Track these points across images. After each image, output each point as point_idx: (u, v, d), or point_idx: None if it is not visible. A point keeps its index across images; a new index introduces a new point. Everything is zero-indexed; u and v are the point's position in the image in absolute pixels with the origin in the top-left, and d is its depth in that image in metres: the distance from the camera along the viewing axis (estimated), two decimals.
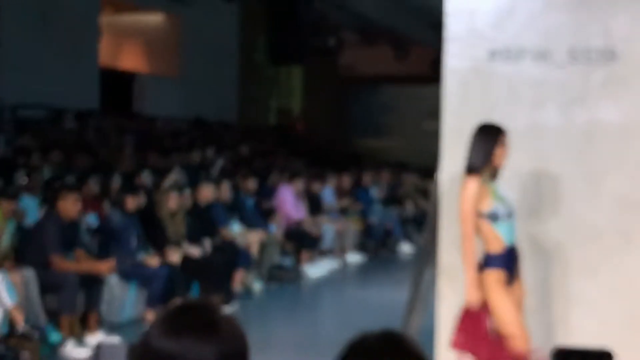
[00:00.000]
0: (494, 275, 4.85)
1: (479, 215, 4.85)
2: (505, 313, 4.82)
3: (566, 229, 5.45)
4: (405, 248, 14.79)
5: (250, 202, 11.63)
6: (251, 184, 11.76)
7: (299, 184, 12.54)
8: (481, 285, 4.86)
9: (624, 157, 5.36)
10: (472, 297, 4.85)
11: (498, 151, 4.89)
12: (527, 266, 5.49)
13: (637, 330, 5.34)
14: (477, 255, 4.88)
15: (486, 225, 4.87)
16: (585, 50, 5.40)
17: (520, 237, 5.49)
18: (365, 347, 1.84)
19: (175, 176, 11.31)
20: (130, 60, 18.04)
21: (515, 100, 5.52)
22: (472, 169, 4.88)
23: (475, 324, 4.86)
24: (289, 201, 12.25)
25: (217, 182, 10.91)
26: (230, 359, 1.90)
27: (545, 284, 5.48)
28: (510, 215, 4.90)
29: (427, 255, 5.93)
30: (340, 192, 14.42)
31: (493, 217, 4.85)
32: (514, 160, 5.50)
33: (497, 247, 4.88)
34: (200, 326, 1.89)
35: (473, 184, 4.85)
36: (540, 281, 5.48)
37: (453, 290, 5.62)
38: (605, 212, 5.38)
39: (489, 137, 4.89)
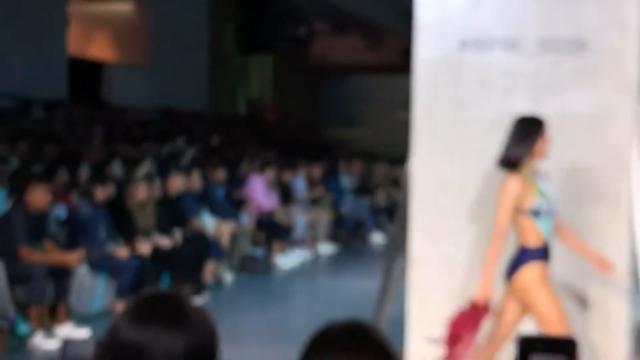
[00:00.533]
0: (536, 269, 4.76)
1: (520, 211, 4.77)
2: (548, 309, 4.73)
3: None
4: (377, 238, 14.82)
5: (220, 192, 11.58)
6: (221, 174, 11.71)
7: (270, 174, 12.51)
8: (514, 284, 4.79)
9: (593, 147, 5.38)
10: (486, 293, 4.77)
11: (540, 143, 4.84)
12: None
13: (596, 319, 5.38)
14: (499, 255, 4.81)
15: (527, 221, 4.79)
16: (555, 40, 5.41)
17: (489, 227, 5.51)
18: (330, 337, 1.83)
19: (147, 166, 11.24)
20: (99, 49, 17.89)
21: (486, 89, 5.52)
22: (512, 163, 4.82)
23: (474, 321, 4.81)
24: (259, 191, 12.22)
25: (187, 172, 10.86)
26: (200, 349, 1.88)
27: None
28: (550, 211, 4.84)
29: (397, 245, 5.93)
30: (311, 182, 14.41)
31: (535, 213, 4.78)
32: (484, 151, 5.51)
33: (536, 241, 4.81)
34: (168, 316, 1.87)
35: (515, 182, 4.78)
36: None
37: (423, 279, 5.63)
38: (575, 202, 5.40)
39: (530, 129, 4.83)
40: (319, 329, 1.86)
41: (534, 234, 4.82)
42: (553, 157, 5.43)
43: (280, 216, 12.34)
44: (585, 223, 5.38)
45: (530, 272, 4.78)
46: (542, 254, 4.83)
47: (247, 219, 11.68)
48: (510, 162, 4.84)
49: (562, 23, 5.39)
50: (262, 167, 12.66)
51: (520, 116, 4.94)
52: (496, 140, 5.50)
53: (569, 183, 5.41)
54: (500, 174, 5.15)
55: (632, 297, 5.39)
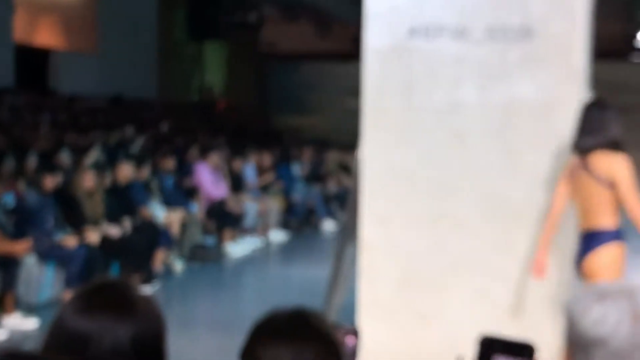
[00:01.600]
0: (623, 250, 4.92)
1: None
2: None
3: (485, 205, 5.52)
4: (328, 225, 14.84)
5: (169, 180, 11.50)
6: (170, 162, 11.62)
7: (214, 160, 12.40)
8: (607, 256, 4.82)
9: (541, 134, 5.44)
10: None
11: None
12: (447, 242, 5.56)
13: (554, 304, 5.46)
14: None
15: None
16: (503, 28, 5.46)
17: (440, 213, 5.55)
18: (271, 326, 1.84)
19: (95, 154, 11.12)
20: (46, 36, 17.60)
21: (435, 77, 5.55)
22: (618, 143, 4.91)
23: None
24: (206, 179, 12.14)
25: (137, 161, 10.76)
26: (147, 338, 1.87)
27: (465, 259, 5.55)
28: None
29: (348, 232, 5.95)
30: (261, 170, 14.37)
31: None
32: (434, 138, 5.54)
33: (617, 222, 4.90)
34: (115, 305, 1.86)
35: (628, 161, 4.86)
36: (461, 257, 5.55)
37: (374, 266, 5.66)
38: (522, 189, 5.46)
39: (615, 112, 4.96)
40: (261, 317, 1.86)
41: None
42: (501, 143, 5.48)
43: (231, 204, 12.30)
44: (534, 206, 5.45)
45: (621, 251, 4.91)
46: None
47: (197, 208, 11.61)
48: (617, 142, 4.91)
49: (510, 11, 5.44)
50: (205, 154, 12.55)
51: (598, 100, 5.05)
52: (445, 127, 5.54)
53: (517, 168, 5.47)
54: (448, 160, 5.20)
55: (576, 283, 5.47)
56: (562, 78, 5.40)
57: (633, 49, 21.93)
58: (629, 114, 22.58)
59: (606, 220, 4.83)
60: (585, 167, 4.85)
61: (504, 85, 5.47)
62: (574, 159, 4.98)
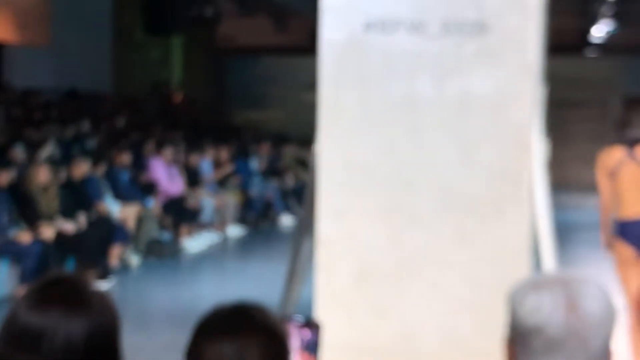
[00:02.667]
0: None
1: None
2: None
3: (441, 198, 5.55)
4: (286, 220, 14.84)
5: (125, 175, 11.41)
6: (126, 157, 11.53)
7: (168, 154, 12.33)
8: None
9: (496, 128, 5.49)
10: None
11: None
12: (404, 235, 5.59)
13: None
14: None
15: None
16: (458, 23, 5.49)
17: (396, 207, 5.58)
18: (214, 321, 1.84)
19: (49, 149, 11.00)
20: (0, 31, 17.36)
21: (391, 72, 5.57)
22: None
23: None
24: (162, 174, 12.07)
25: (92, 155, 10.67)
26: (100, 334, 1.86)
27: (420, 252, 5.57)
28: None
29: (305, 226, 5.95)
30: (219, 165, 14.32)
31: None
32: (390, 132, 5.56)
33: None
34: (68, 300, 1.84)
35: None
36: (417, 250, 5.57)
37: (331, 260, 5.67)
38: (478, 182, 5.50)
39: None
40: (203, 314, 1.87)
41: None
42: (457, 137, 5.52)
43: (188, 199, 12.24)
44: (490, 200, 5.49)
45: None
46: None
47: (153, 203, 11.54)
48: None
49: (464, 5, 5.47)
50: (159, 149, 12.47)
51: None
52: (401, 121, 5.56)
53: (473, 162, 5.51)
54: (404, 153, 5.22)
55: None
56: (516, 72, 5.44)
57: (587, 43, 22.19)
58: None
59: None
60: (634, 157, 5.37)
61: (459, 79, 5.50)
62: (617, 151, 5.48)
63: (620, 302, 8.20)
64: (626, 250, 5.58)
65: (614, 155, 5.63)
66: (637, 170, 5.42)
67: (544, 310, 1.69)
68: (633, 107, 5.49)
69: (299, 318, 2.22)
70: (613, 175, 5.55)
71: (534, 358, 1.70)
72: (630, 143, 5.40)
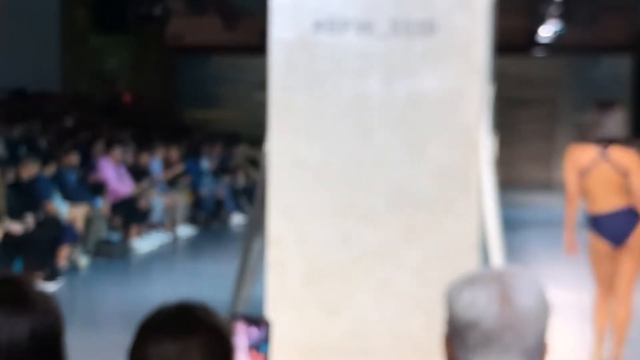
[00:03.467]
0: None
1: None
2: None
3: (391, 197, 5.58)
4: (237, 219, 14.81)
5: (73, 176, 11.29)
6: (74, 157, 11.40)
7: (117, 154, 12.22)
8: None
9: (444, 126, 5.53)
10: None
11: None
12: (353, 233, 5.61)
13: None
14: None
15: None
16: (406, 22, 5.52)
17: (346, 206, 5.60)
18: (157, 322, 1.83)
19: None
20: None
21: (340, 71, 5.58)
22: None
23: None
24: (110, 174, 11.96)
25: (42, 156, 10.54)
26: (45, 335, 1.84)
27: (371, 251, 5.60)
28: None
29: (256, 225, 5.95)
30: (169, 165, 14.23)
31: None
32: (339, 131, 5.58)
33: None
34: (12, 300, 1.82)
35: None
36: (367, 248, 5.60)
37: (282, 259, 5.67)
38: (427, 180, 5.55)
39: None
40: (146, 314, 1.86)
41: None
42: (405, 135, 5.56)
43: (137, 199, 12.15)
44: (439, 198, 5.53)
45: None
46: None
47: (102, 203, 11.43)
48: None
49: (413, 6, 5.51)
50: (108, 148, 12.35)
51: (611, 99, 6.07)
52: (351, 121, 5.58)
53: (422, 160, 5.55)
54: (353, 152, 5.25)
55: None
56: (464, 71, 5.49)
57: (535, 43, 22.47)
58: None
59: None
60: (606, 157, 5.75)
61: (408, 78, 5.54)
62: (589, 151, 5.83)
63: (554, 296, 8.34)
64: (599, 243, 5.91)
65: (587, 155, 5.86)
66: (609, 170, 5.75)
67: (479, 305, 1.71)
68: (603, 109, 5.84)
69: (248, 316, 2.22)
70: (584, 174, 5.84)
71: (471, 352, 1.72)
72: (603, 144, 5.73)
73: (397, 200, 5.58)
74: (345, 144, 5.58)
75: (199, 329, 1.80)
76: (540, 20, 20.62)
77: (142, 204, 12.10)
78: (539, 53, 23.05)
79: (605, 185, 5.78)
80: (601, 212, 5.85)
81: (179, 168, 14.27)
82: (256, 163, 15.09)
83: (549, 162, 22.75)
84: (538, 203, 18.61)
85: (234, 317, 2.21)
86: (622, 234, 5.80)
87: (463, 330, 1.72)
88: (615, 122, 5.81)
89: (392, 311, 5.56)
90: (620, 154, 5.76)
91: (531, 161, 22.81)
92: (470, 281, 1.76)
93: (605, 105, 5.94)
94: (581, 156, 5.87)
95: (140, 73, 20.77)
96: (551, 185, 21.96)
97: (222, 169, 16.03)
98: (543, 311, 1.74)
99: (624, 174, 5.72)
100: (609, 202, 5.79)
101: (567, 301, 8.33)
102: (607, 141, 5.76)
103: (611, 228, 5.82)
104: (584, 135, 5.97)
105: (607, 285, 6.01)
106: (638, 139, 6.40)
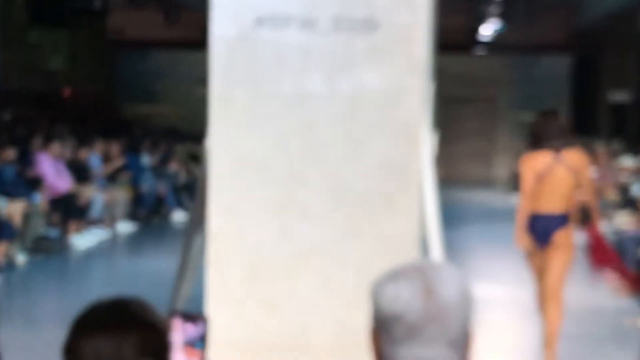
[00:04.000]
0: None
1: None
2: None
3: (332, 193, 5.59)
4: (178, 215, 14.70)
5: (10, 171, 11.09)
6: (11, 152, 11.20)
7: (55, 149, 12.03)
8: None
9: (385, 124, 5.55)
10: None
11: None
12: (295, 230, 5.60)
13: None
14: None
15: None
16: (349, 19, 5.53)
17: (287, 202, 5.59)
18: (91, 318, 1.81)
19: None
20: None
21: (282, 67, 5.57)
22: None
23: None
24: (49, 169, 11.78)
25: None
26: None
27: (313, 248, 5.60)
28: None
29: (197, 222, 5.90)
30: (109, 160, 14.07)
31: None
32: (281, 127, 5.57)
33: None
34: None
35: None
36: (308, 245, 5.60)
37: (222, 255, 5.64)
38: (368, 177, 5.56)
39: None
40: (81, 310, 1.84)
41: None
42: (347, 133, 5.57)
43: (76, 195, 11.98)
44: (380, 194, 5.55)
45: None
46: None
47: (40, 199, 11.25)
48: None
49: (355, 2, 5.51)
50: (46, 144, 12.15)
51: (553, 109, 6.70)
52: (293, 117, 5.57)
53: (363, 157, 5.57)
54: (295, 149, 5.24)
55: None
56: (405, 69, 5.52)
57: (476, 42, 22.70)
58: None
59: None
60: (561, 161, 6.20)
61: (350, 75, 5.54)
62: (544, 155, 6.23)
63: (494, 291, 8.45)
64: (527, 240, 6.28)
65: (542, 159, 6.27)
66: (564, 172, 6.19)
67: (403, 298, 1.75)
68: (547, 118, 6.38)
69: (185, 313, 2.20)
70: (541, 177, 6.22)
71: (397, 345, 1.76)
72: (555, 149, 6.19)
73: (338, 197, 5.59)
74: (287, 140, 5.57)
75: (133, 324, 1.78)
76: (481, 19, 20.84)
77: (81, 199, 11.94)
78: (479, 51, 23.30)
79: (559, 188, 6.20)
80: (542, 213, 6.18)
81: (118, 162, 14.11)
82: (198, 159, 15.00)
83: (489, 160, 23.02)
84: (478, 199, 18.82)
85: (172, 313, 2.19)
86: (546, 234, 6.20)
87: (388, 324, 1.76)
88: (560, 127, 6.28)
89: (332, 307, 5.57)
90: (572, 156, 6.24)
91: (472, 158, 23.05)
92: (394, 276, 1.80)
93: (549, 113, 6.47)
94: (538, 162, 6.27)
95: (80, 67, 20.50)
96: (491, 182, 22.23)
97: (163, 165, 15.90)
98: (466, 303, 1.78)
99: (576, 174, 6.19)
100: (553, 205, 6.19)
101: (507, 296, 8.44)
102: (558, 146, 6.21)
103: (544, 228, 6.17)
104: (535, 144, 6.38)
105: (539, 285, 6.33)
106: (580, 138, 6.79)
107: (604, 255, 6.07)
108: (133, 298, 1.85)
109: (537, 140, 6.34)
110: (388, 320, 1.76)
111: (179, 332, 2.08)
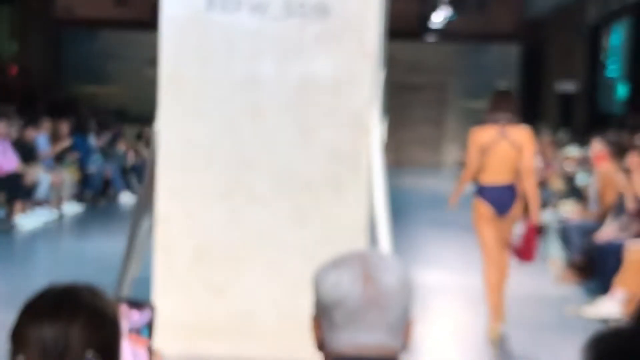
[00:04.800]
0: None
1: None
2: None
3: (280, 179, 5.59)
4: (126, 198, 14.58)
5: None
6: None
7: (1, 128, 11.82)
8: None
9: (335, 110, 5.57)
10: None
11: None
12: (242, 215, 5.60)
13: None
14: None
15: None
16: (300, 4, 5.52)
17: (235, 187, 5.58)
18: (39, 303, 1.80)
19: None
20: None
21: (232, 51, 5.55)
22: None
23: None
24: None
25: None
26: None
27: (260, 232, 5.61)
28: None
29: (144, 204, 5.87)
30: (56, 140, 13.88)
31: None
32: (230, 111, 5.55)
33: None
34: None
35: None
36: (256, 230, 5.60)
37: (169, 238, 5.62)
38: (317, 163, 5.58)
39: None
40: (31, 295, 1.82)
41: None
42: (296, 118, 5.57)
43: (22, 175, 11.81)
44: (328, 181, 5.57)
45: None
46: None
47: None
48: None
49: None
50: None
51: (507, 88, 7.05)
52: (242, 101, 5.56)
53: (312, 143, 5.58)
54: (244, 133, 5.23)
55: None
56: (356, 56, 5.53)
57: (426, 29, 22.80)
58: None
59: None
60: (505, 136, 6.42)
61: (300, 61, 5.54)
62: (489, 130, 6.45)
63: (443, 277, 8.54)
64: (484, 208, 6.46)
65: (487, 134, 6.49)
66: (507, 147, 6.40)
67: (343, 285, 1.79)
68: (500, 95, 6.66)
69: (131, 300, 2.19)
70: (485, 150, 6.45)
71: (338, 331, 1.80)
72: (502, 124, 6.43)
73: (287, 182, 5.59)
74: (236, 124, 5.56)
75: (81, 312, 1.77)
76: (432, 7, 20.94)
77: (27, 180, 11.78)
78: (429, 39, 23.41)
79: (502, 161, 6.44)
80: (490, 184, 6.47)
81: (65, 142, 13.94)
82: (146, 141, 14.88)
83: (438, 146, 23.18)
84: (427, 186, 18.96)
85: (118, 299, 2.18)
86: (505, 205, 6.47)
87: (329, 310, 1.80)
88: (510, 105, 6.53)
89: (279, 292, 5.58)
90: (517, 132, 6.45)
91: (421, 145, 23.20)
92: (335, 263, 1.84)
93: (501, 92, 6.79)
94: (483, 135, 6.51)
95: (27, 45, 20.16)
96: (440, 168, 22.40)
97: (111, 147, 15.75)
98: (406, 289, 1.82)
99: (519, 150, 6.40)
100: (500, 177, 6.44)
101: (455, 282, 8.53)
102: (504, 122, 6.45)
103: (496, 198, 6.47)
104: (483, 118, 6.67)
105: (492, 252, 6.49)
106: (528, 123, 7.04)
107: (526, 250, 6.51)
108: (85, 285, 1.84)
109: (486, 115, 6.65)
110: (329, 307, 1.79)
111: (124, 320, 2.07)
